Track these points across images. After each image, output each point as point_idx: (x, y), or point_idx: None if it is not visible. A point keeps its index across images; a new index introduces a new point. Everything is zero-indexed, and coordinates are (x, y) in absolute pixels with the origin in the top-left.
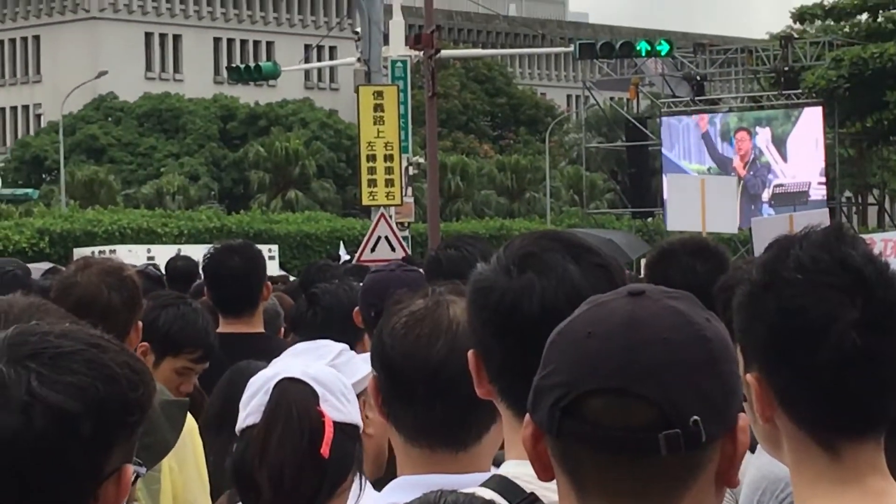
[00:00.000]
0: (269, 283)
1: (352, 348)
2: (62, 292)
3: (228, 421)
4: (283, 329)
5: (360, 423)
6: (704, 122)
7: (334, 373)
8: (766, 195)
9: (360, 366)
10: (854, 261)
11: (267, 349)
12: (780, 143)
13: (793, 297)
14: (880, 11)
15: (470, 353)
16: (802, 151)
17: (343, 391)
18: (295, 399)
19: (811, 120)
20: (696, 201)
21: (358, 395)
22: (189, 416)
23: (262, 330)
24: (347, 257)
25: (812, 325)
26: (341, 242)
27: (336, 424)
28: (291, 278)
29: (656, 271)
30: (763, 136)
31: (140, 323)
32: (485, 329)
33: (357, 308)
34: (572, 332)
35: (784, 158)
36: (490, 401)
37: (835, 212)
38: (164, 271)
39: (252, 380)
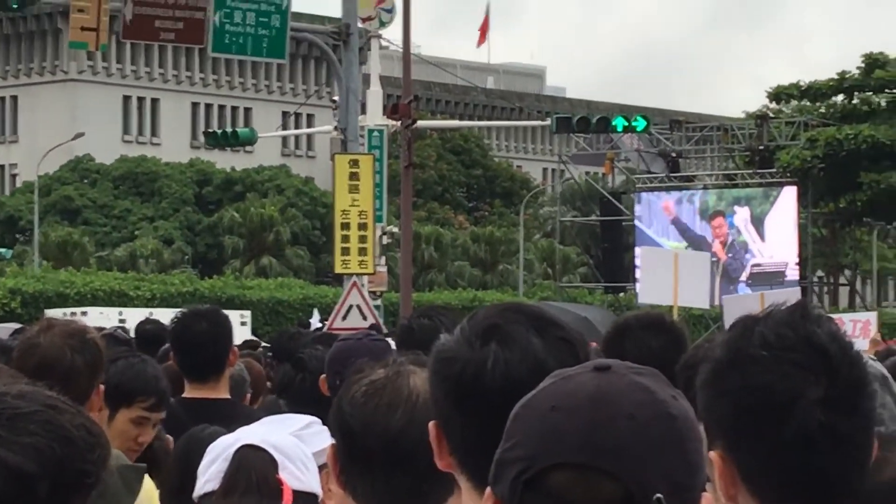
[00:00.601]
0: (235, 349)
1: None
2: (24, 353)
3: (187, 487)
4: (249, 395)
5: (320, 493)
6: (672, 210)
7: (295, 441)
8: (743, 275)
9: (326, 437)
10: (819, 339)
11: (232, 415)
12: (758, 222)
13: (757, 375)
14: (855, 93)
15: (431, 424)
16: (780, 231)
17: (303, 460)
18: (254, 466)
19: (789, 200)
20: (668, 275)
21: (321, 467)
22: (149, 479)
23: (227, 396)
24: (320, 325)
25: (776, 403)
26: (315, 310)
27: (295, 493)
28: (263, 344)
29: (613, 346)
30: (741, 215)
31: (102, 387)
32: (446, 400)
33: (324, 376)
34: (537, 405)
35: (762, 238)
36: (449, 473)
37: (806, 291)
38: (133, 334)
39: (212, 446)
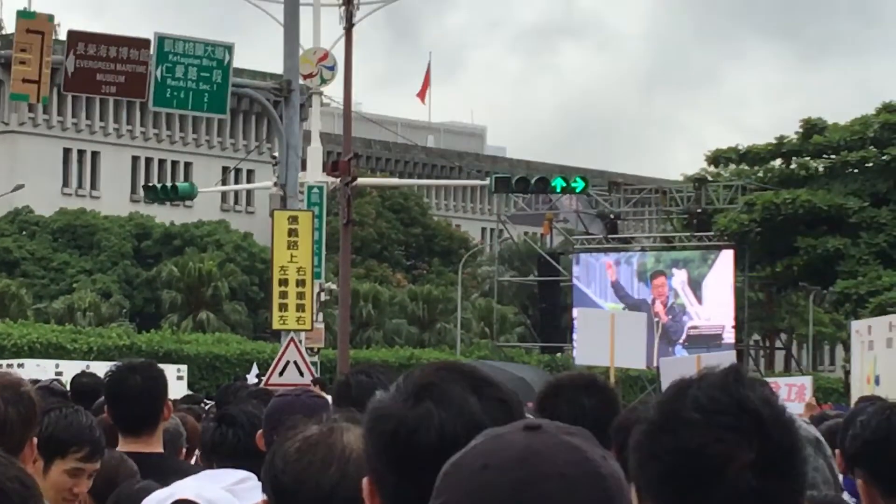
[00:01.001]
0: (170, 402)
1: None
2: None
3: None
4: (184, 449)
5: None
6: (613, 271)
7: (229, 496)
8: (681, 337)
9: (259, 493)
10: (751, 402)
11: (166, 469)
12: (695, 285)
13: (690, 437)
14: (793, 158)
15: (364, 480)
16: (717, 294)
17: None
18: None
19: (726, 263)
20: (605, 336)
21: None
22: None
23: (160, 450)
24: (256, 380)
25: (708, 466)
26: (254, 364)
27: None
28: (207, 403)
29: (546, 406)
30: (679, 277)
31: (35, 439)
32: (380, 457)
33: (260, 431)
34: (467, 463)
35: (699, 301)
36: None
37: (742, 355)
38: (69, 387)
39: (146, 500)
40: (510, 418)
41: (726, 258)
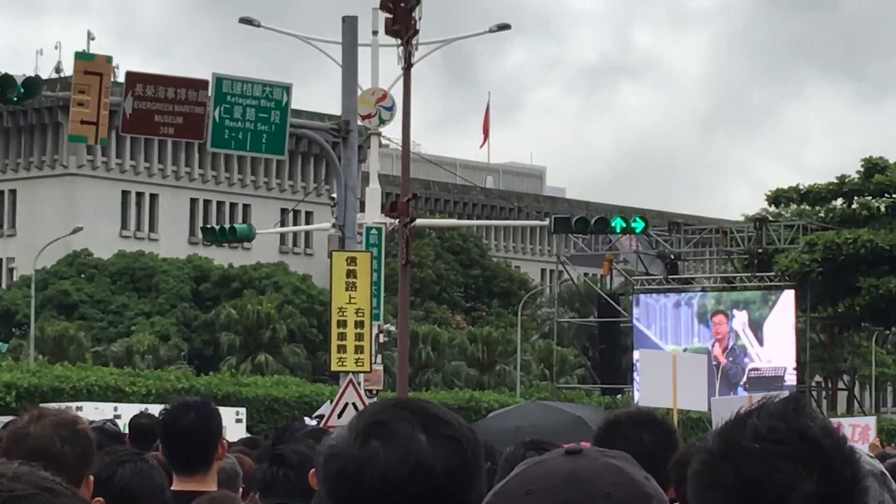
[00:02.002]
0: (225, 441)
1: None
2: (14, 442)
3: None
4: (241, 489)
5: None
6: (669, 311)
7: None
8: (741, 379)
9: None
10: (812, 432)
11: None
12: (756, 326)
13: (749, 467)
14: (855, 197)
15: None
16: (779, 336)
17: None
18: None
19: (787, 304)
20: (667, 377)
21: None
22: None
23: (215, 488)
24: (314, 423)
25: (768, 496)
26: (327, 403)
27: None
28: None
29: (603, 442)
30: (740, 318)
31: (91, 477)
32: (329, 495)
33: (313, 470)
34: (511, 490)
35: (760, 342)
36: None
37: (804, 396)
38: (128, 429)
39: None
40: (463, 458)
41: (787, 299)
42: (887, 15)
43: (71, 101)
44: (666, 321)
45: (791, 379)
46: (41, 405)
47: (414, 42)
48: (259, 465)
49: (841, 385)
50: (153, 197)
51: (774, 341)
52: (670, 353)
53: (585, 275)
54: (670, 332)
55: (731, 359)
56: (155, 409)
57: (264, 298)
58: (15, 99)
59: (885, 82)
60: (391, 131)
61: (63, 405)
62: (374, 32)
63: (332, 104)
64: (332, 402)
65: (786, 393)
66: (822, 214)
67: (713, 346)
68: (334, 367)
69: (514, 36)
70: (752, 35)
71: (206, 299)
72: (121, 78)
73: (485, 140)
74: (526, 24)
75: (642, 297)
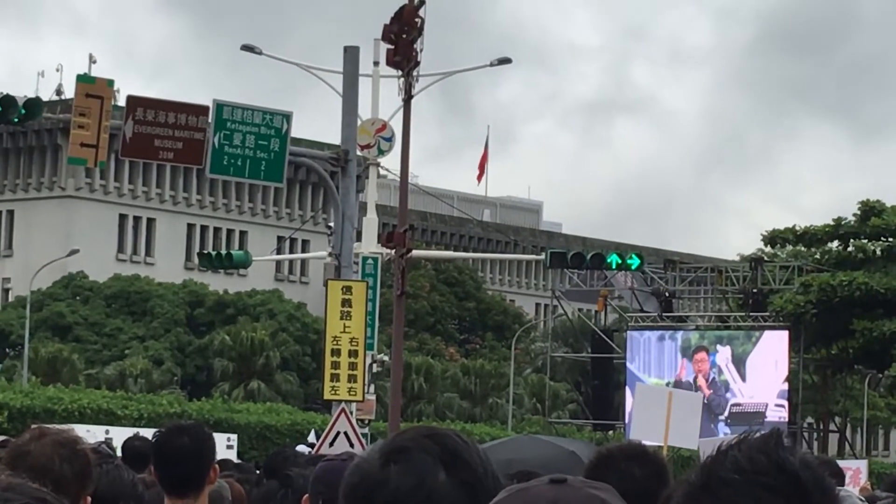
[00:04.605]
0: (216, 465)
1: None
2: (14, 460)
3: None
4: None
5: None
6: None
7: None
8: (723, 413)
9: None
10: (791, 465)
11: None
12: (739, 362)
13: (729, 497)
14: (851, 240)
15: None
16: (761, 372)
17: None
18: None
19: (772, 342)
20: (661, 413)
21: None
22: None
23: None
24: (308, 450)
25: None
26: (312, 431)
27: None
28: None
29: (595, 476)
30: (723, 354)
31: (89, 498)
32: None
33: (307, 496)
34: None
35: (742, 378)
36: None
37: (796, 437)
38: (121, 451)
39: None
40: (473, 502)
41: (771, 337)
42: (883, 58)
43: (71, 123)
44: (650, 354)
45: (773, 415)
46: (42, 425)
47: (414, 74)
48: (266, 483)
49: (832, 427)
50: (150, 221)
51: (757, 377)
52: (667, 389)
53: (580, 310)
54: (654, 366)
55: (712, 391)
56: (147, 433)
57: (258, 325)
58: (16, 120)
59: (882, 125)
60: (389, 162)
61: (55, 427)
62: (376, 63)
63: (331, 133)
64: (315, 432)
65: (767, 428)
66: (817, 256)
67: (696, 378)
68: (327, 396)
69: (511, 69)
70: (749, 76)
71: (200, 325)
72: (121, 102)
73: (481, 175)
74: (524, 57)
75: (635, 333)
